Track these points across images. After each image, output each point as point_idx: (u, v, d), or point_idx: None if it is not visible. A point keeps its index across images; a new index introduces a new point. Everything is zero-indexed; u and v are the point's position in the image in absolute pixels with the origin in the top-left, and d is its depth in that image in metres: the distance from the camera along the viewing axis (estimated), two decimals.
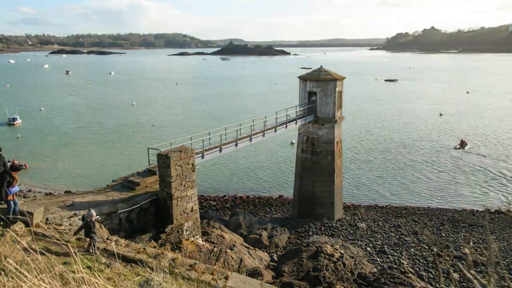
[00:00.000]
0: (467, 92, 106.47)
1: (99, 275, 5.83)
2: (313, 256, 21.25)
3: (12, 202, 10.84)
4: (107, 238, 10.35)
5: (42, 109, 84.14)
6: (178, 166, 17.27)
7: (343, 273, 19.69)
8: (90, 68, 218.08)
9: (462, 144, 52.42)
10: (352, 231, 29.33)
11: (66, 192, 36.87)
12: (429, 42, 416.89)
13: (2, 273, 4.49)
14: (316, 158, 30.58)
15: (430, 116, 75.13)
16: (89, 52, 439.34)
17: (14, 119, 68.70)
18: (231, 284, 7.99)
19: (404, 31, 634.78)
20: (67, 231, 11.00)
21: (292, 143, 52.26)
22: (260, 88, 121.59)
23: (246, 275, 15.87)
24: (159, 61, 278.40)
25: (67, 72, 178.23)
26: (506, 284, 3.14)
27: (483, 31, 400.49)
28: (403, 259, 24.70)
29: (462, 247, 26.85)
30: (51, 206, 14.57)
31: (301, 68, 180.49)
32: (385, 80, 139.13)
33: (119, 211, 16.14)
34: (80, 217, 13.71)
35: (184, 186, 17.77)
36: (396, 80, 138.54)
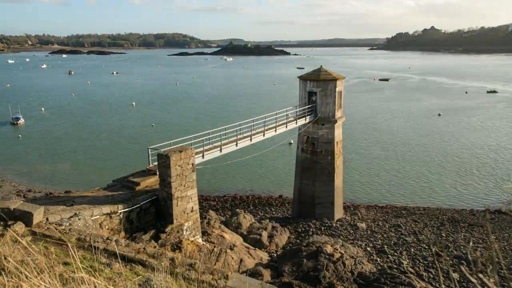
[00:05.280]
0: (466, 92, 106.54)
1: (99, 275, 5.83)
2: (313, 256, 21.23)
3: None
4: (107, 238, 10.34)
5: (43, 109, 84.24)
6: (178, 166, 17.25)
7: (343, 273, 19.68)
8: (91, 68, 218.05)
9: None
10: (352, 231, 29.32)
11: (66, 192, 36.89)
12: (429, 42, 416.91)
13: (2, 273, 4.49)
14: (316, 158, 30.58)
15: (429, 116, 75.18)
16: (89, 52, 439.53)
17: (18, 119, 69.17)
18: (231, 284, 7.97)
19: (404, 31, 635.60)
20: (67, 231, 10.99)
21: (290, 143, 52.26)
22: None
23: (246, 275, 15.87)
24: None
25: (69, 73, 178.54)
26: (506, 284, 3.14)
27: (483, 31, 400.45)
28: (403, 259, 24.68)
29: (462, 247, 26.85)
30: (51, 206, 14.56)
31: (297, 68, 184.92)
32: (380, 80, 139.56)
33: (119, 211, 16.13)
34: (80, 217, 13.71)
35: (184, 186, 17.76)
36: (389, 79, 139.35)
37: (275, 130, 26.73)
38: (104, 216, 15.54)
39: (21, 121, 69.38)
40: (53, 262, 5.66)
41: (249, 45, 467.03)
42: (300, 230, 29.39)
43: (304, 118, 29.19)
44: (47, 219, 12.21)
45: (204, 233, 21.81)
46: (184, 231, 18.08)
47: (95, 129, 66.50)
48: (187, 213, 18.24)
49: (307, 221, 30.53)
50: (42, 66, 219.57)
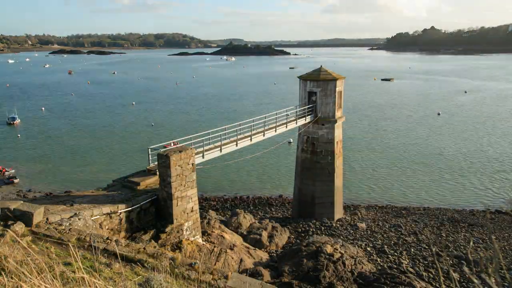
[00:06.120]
0: (465, 92, 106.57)
1: (99, 275, 5.83)
2: (313, 256, 21.24)
3: None
4: (107, 238, 10.34)
5: (43, 108, 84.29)
6: (178, 166, 17.26)
7: (343, 273, 19.68)
8: (91, 68, 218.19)
9: None
10: (352, 231, 29.31)
11: (66, 192, 36.89)
12: (429, 42, 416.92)
13: (3, 273, 4.49)
14: (316, 158, 30.58)
15: (429, 116, 75.20)
16: (89, 52, 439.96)
17: (14, 118, 69.17)
18: (231, 284, 7.98)
19: (404, 31, 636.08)
20: (67, 231, 10.99)
21: (290, 142, 52.27)
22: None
23: (246, 275, 15.87)
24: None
25: (69, 72, 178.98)
26: (506, 284, 3.14)
27: (483, 31, 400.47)
28: (403, 259, 24.68)
29: (462, 247, 26.85)
30: (51, 206, 14.57)
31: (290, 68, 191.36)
32: (382, 80, 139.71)
33: (119, 211, 16.13)
34: (80, 217, 13.70)
35: (184, 186, 17.76)
36: (392, 79, 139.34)
37: (275, 130, 26.73)
38: (104, 216, 15.55)
39: (17, 121, 69.40)
40: (53, 262, 5.67)
41: (249, 45, 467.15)
42: (300, 230, 29.39)
43: (304, 118, 29.19)
44: (47, 219, 12.21)
45: (204, 233, 21.81)
46: (184, 231, 18.08)
47: (95, 128, 66.49)
48: (187, 213, 18.24)
49: (307, 221, 30.53)
50: (46, 66, 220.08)
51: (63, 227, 11.55)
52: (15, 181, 41.87)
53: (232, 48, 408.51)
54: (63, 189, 39.76)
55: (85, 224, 13.47)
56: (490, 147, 53.52)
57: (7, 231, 8.92)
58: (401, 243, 27.39)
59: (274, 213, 34.64)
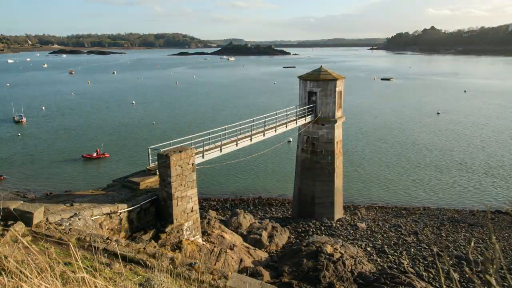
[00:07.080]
0: (465, 91, 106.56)
1: (99, 275, 5.83)
2: (313, 256, 21.24)
3: None
4: (107, 238, 10.34)
5: (43, 108, 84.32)
6: (178, 166, 17.25)
7: (343, 273, 19.68)
8: (91, 67, 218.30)
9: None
10: (352, 231, 29.31)
11: (66, 192, 36.87)
12: (429, 42, 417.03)
13: (3, 273, 4.49)
14: (316, 158, 30.58)
15: (428, 115, 75.19)
16: (89, 52, 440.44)
17: (21, 117, 70.14)
18: (231, 284, 7.98)
19: (404, 31, 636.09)
20: (67, 231, 10.99)
21: (289, 141, 52.29)
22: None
23: (246, 275, 15.86)
24: None
25: (70, 72, 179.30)
26: (507, 284, 3.14)
27: (483, 31, 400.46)
28: (403, 259, 24.68)
29: (462, 247, 26.85)
30: (51, 206, 14.56)
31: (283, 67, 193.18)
32: (381, 79, 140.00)
33: (119, 211, 16.12)
34: (80, 217, 13.70)
35: (184, 186, 17.76)
36: (391, 78, 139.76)
37: (275, 130, 26.73)
38: (104, 216, 15.54)
39: (24, 119, 70.25)
40: (53, 262, 5.66)
41: (249, 45, 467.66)
42: (300, 230, 29.38)
43: (304, 118, 29.19)
44: (47, 219, 12.21)
45: (204, 233, 21.81)
46: (184, 231, 18.08)
47: (95, 128, 66.46)
48: (187, 213, 18.24)
49: (307, 221, 30.53)
50: (44, 66, 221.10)
51: (63, 227, 11.54)
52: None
53: (232, 48, 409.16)
54: (63, 189, 39.74)
55: (85, 224, 13.47)
56: (490, 147, 53.50)
57: (7, 231, 8.92)
58: (401, 243, 27.39)
59: (274, 213, 34.64)
